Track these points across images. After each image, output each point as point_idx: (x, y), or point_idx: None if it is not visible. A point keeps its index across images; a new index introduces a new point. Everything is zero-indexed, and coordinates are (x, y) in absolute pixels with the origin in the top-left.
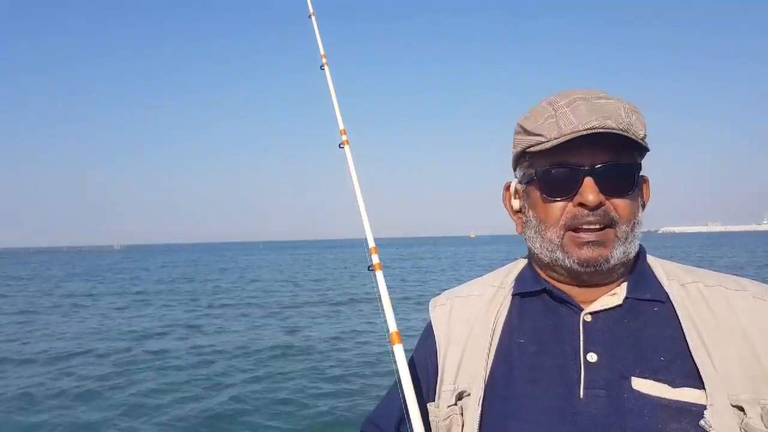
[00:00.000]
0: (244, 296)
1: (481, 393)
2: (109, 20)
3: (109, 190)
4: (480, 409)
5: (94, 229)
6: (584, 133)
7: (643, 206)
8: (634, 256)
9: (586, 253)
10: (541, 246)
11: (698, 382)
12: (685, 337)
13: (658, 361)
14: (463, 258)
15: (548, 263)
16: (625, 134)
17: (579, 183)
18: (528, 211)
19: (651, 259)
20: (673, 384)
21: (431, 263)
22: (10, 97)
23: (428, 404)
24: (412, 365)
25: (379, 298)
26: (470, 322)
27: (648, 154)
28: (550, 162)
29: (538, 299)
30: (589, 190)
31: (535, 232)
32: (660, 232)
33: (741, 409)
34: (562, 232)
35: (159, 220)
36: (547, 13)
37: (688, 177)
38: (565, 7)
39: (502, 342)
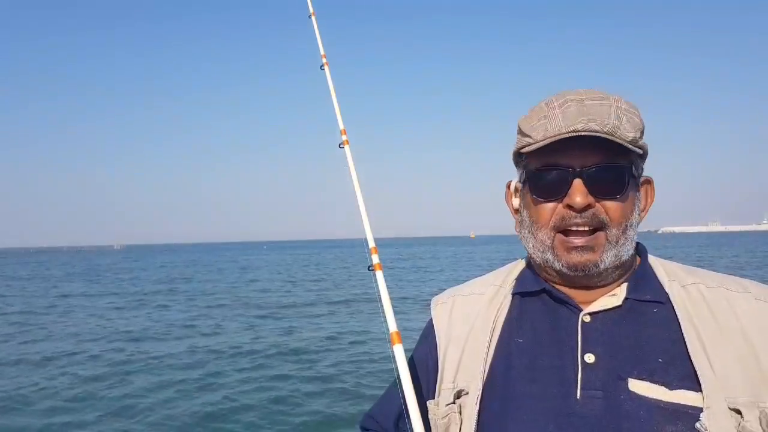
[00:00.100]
0: (243, 296)
1: (479, 392)
2: (109, 20)
3: (109, 190)
4: (478, 408)
5: (94, 229)
6: (566, 136)
7: (645, 208)
8: (636, 257)
9: (575, 257)
10: (533, 246)
11: (696, 385)
12: (684, 339)
13: (656, 362)
14: (462, 258)
15: (540, 264)
16: (609, 137)
17: (568, 185)
18: (523, 211)
19: (652, 260)
20: (670, 386)
21: (431, 263)
22: (10, 97)
23: (428, 402)
24: (412, 363)
25: (379, 298)
26: (471, 321)
27: (648, 154)
28: (541, 163)
29: (538, 299)
30: (577, 192)
31: (529, 232)
32: (660, 232)
33: (738, 412)
34: (552, 234)
35: (159, 220)
36: (547, 13)
37: (688, 177)
38: (565, 7)
39: (501, 341)
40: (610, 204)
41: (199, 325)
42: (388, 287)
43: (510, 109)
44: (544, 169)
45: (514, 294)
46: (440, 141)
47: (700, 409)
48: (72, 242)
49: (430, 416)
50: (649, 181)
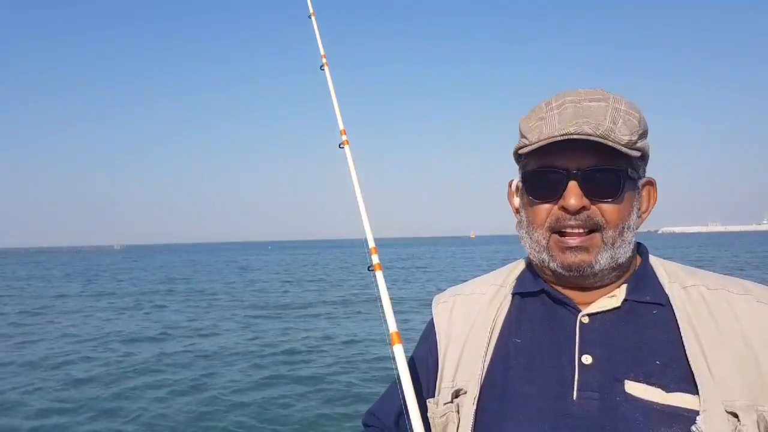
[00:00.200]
0: (242, 296)
1: (477, 392)
2: (110, 20)
3: (109, 190)
4: (475, 408)
5: (94, 229)
6: (559, 138)
7: (646, 210)
8: (637, 258)
9: (570, 257)
10: (530, 246)
11: (693, 388)
12: (682, 342)
13: (653, 364)
14: (462, 258)
15: (537, 264)
16: (602, 141)
17: (563, 186)
18: (522, 211)
19: (654, 261)
20: (667, 388)
21: (431, 263)
22: (11, 97)
23: (427, 401)
24: (412, 361)
25: (379, 298)
26: (471, 320)
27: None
28: (538, 164)
29: (537, 299)
30: (572, 194)
31: (526, 232)
32: (660, 232)
33: (735, 416)
34: (547, 234)
35: (159, 220)
36: (547, 13)
37: (688, 177)
38: (565, 7)
39: (500, 341)
40: (606, 206)
41: (197, 325)
42: (387, 287)
43: (510, 109)
44: (541, 171)
45: (514, 294)
46: (440, 141)
47: (697, 412)
48: (72, 242)
49: (429, 415)
50: (651, 183)
